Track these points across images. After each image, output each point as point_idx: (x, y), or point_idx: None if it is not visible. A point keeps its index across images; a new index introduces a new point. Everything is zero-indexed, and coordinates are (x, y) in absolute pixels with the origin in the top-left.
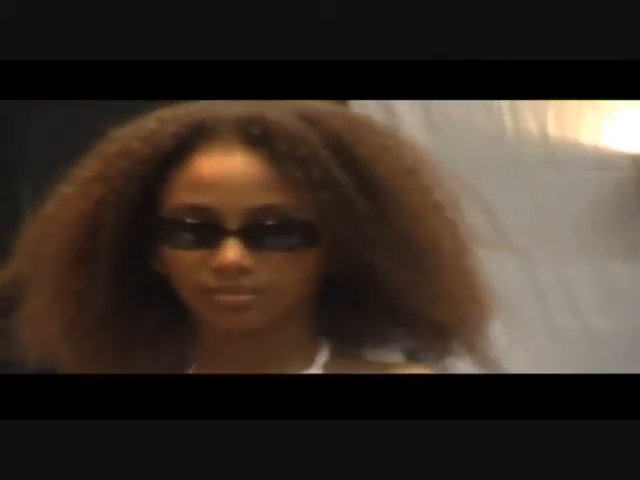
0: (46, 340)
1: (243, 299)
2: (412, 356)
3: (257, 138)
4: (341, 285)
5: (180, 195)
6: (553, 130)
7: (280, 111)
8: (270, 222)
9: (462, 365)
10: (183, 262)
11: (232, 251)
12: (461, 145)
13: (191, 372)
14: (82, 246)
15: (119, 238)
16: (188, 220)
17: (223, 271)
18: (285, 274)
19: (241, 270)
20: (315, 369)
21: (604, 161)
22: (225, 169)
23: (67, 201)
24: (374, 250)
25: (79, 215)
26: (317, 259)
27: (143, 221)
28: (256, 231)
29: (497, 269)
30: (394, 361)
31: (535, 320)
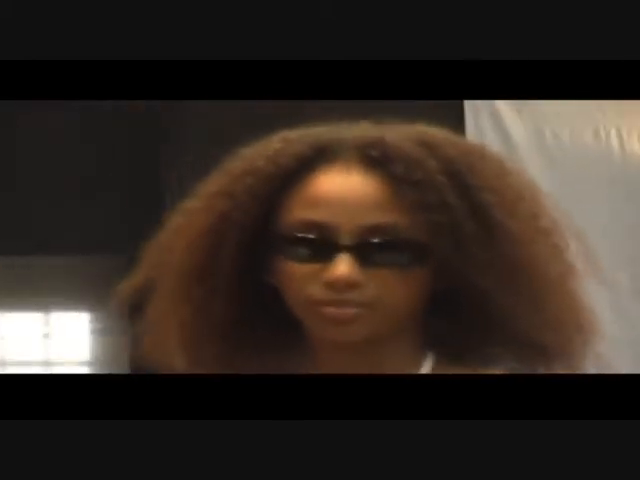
0: (163, 346)
1: (349, 312)
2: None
3: (376, 160)
4: (448, 303)
5: (298, 211)
6: None
7: (399, 135)
8: (382, 240)
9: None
10: (296, 275)
11: (343, 266)
12: (569, 166)
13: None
14: (205, 258)
15: (240, 252)
16: (304, 235)
17: (333, 284)
18: (393, 290)
19: (350, 284)
20: None
21: None
22: (342, 188)
23: (193, 214)
24: (481, 272)
25: (204, 229)
26: (425, 278)
27: (261, 236)
28: (367, 248)
29: (610, 271)
30: (495, 372)
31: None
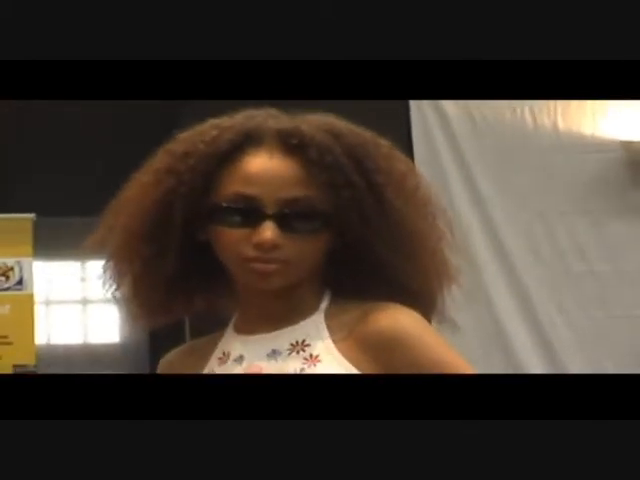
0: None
1: (272, 267)
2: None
3: (294, 146)
4: (341, 255)
5: (231, 186)
6: (561, 123)
7: (312, 126)
8: (298, 210)
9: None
10: (229, 238)
11: (269, 231)
12: (493, 139)
13: (233, 320)
14: (154, 224)
15: (183, 219)
16: (236, 205)
17: (261, 246)
18: (304, 250)
19: (274, 245)
20: (319, 313)
21: (601, 145)
22: (267, 167)
23: (144, 187)
24: (372, 234)
25: (155, 200)
26: (327, 239)
27: (200, 206)
28: (287, 216)
29: (526, 226)
30: (376, 303)
31: (555, 264)
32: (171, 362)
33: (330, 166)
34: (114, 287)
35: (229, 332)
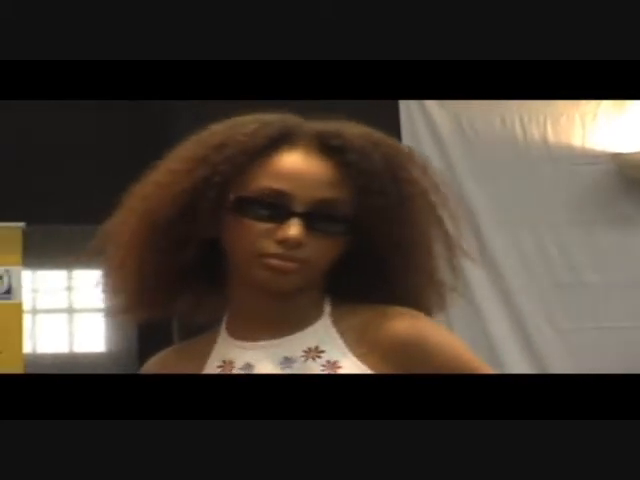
0: (118, 283)
1: (291, 266)
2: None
3: (333, 148)
4: (348, 260)
5: (263, 180)
6: (551, 135)
7: (352, 130)
8: (326, 212)
9: None
10: (252, 231)
11: (296, 228)
12: (485, 152)
13: (224, 324)
14: (181, 214)
15: (210, 210)
16: (265, 199)
17: (285, 242)
18: (324, 252)
19: (298, 244)
20: (325, 317)
21: (590, 157)
22: (301, 166)
23: (175, 175)
24: (386, 244)
25: (187, 188)
26: (344, 244)
27: (227, 197)
28: (315, 216)
29: (515, 237)
30: (384, 307)
31: (543, 276)
32: (157, 367)
33: (367, 172)
34: (106, 275)
35: (223, 337)
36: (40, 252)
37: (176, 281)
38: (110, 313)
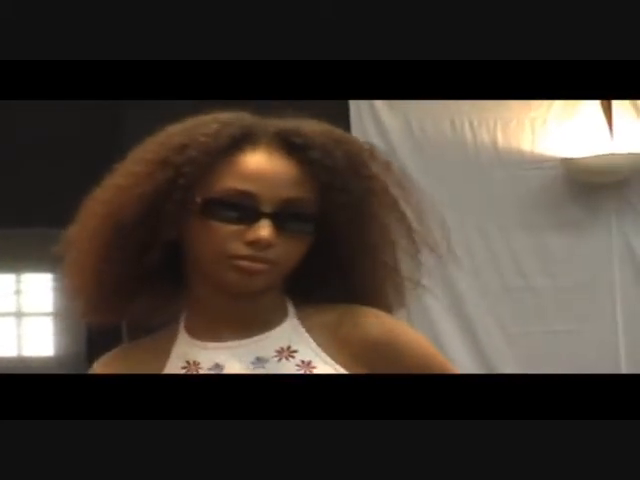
0: (76, 290)
1: (260, 267)
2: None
3: (296, 146)
4: (308, 257)
5: (227, 182)
6: (500, 139)
7: (312, 127)
8: (294, 211)
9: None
10: (219, 233)
11: (266, 229)
12: (434, 155)
13: (183, 324)
14: (144, 217)
15: (172, 212)
16: (232, 201)
17: (256, 244)
18: (292, 252)
19: (269, 245)
20: (291, 317)
21: (540, 162)
22: (266, 166)
23: (136, 177)
24: (352, 239)
25: (148, 191)
26: (310, 242)
27: (189, 199)
28: (284, 216)
29: (465, 241)
30: (350, 306)
31: (492, 280)
32: (108, 367)
33: (330, 169)
34: (66, 278)
35: (183, 337)
36: None
37: (136, 285)
38: (67, 316)
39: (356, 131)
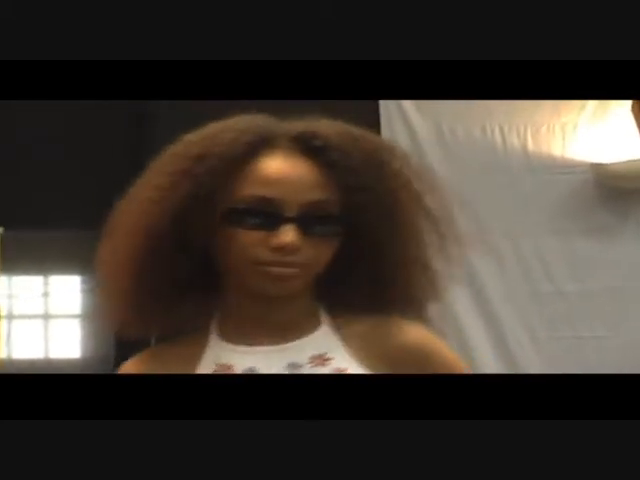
0: (110, 298)
1: (290, 271)
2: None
3: (315, 148)
4: (335, 262)
5: (248, 189)
6: (531, 145)
7: (329, 129)
8: (318, 214)
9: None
10: (244, 240)
11: (290, 234)
12: (465, 159)
13: (216, 328)
14: (173, 228)
15: (199, 223)
16: (255, 207)
17: (281, 249)
18: (321, 254)
19: (295, 249)
20: (325, 324)
21: (570, 167)
22: (286, 170)
23: (159, 190)
24: (376, 242)
25: (173, 203)
26: (337, 243)
27: (213, 208)
28: (308, 219)
29: (494, 245)
30: (383, 318)
31: (521, 285)
32: (135, 370)
33: (349, 169)
34: (100, 299)
35: (215, 341)
36: (17, 258)
37: (170, 299)
38: (94, 319)
39: (385, 134)
